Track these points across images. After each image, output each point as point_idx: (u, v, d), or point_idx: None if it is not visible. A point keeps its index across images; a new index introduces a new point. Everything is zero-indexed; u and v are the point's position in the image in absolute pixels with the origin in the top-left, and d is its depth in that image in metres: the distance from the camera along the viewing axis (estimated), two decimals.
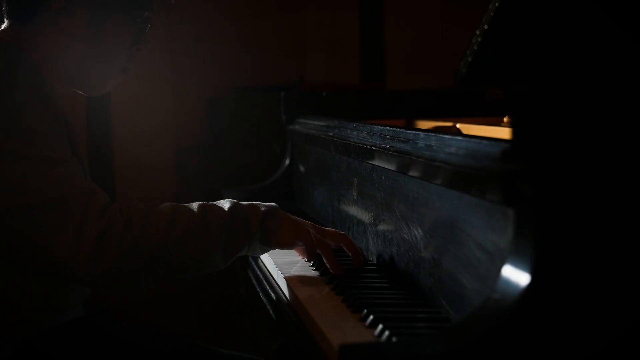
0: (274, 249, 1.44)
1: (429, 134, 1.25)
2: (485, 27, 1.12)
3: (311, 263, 1.51)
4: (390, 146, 1.39)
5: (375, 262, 1.54)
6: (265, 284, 1.52)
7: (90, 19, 1.43)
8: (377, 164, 1.51)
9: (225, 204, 1.39)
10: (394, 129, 1.43)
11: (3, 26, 1.46)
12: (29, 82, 1.33)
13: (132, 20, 1.47)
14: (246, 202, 1.41)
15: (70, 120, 1.52)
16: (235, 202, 1.40)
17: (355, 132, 1.64)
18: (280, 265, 1.52)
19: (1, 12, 1.47)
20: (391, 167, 1.42)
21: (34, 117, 1.29)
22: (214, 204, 1.39)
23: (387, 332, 1.06)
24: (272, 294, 1.45)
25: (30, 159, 1.26)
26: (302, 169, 2.25)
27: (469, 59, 1.12)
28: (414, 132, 1.32)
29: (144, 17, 1.49)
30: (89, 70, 1.48)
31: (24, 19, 1.43)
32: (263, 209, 1.40)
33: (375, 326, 1.10)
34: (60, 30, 1.42)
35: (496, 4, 1.12)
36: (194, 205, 1.36)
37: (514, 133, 0.93)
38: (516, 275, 0.90)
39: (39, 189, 1.25)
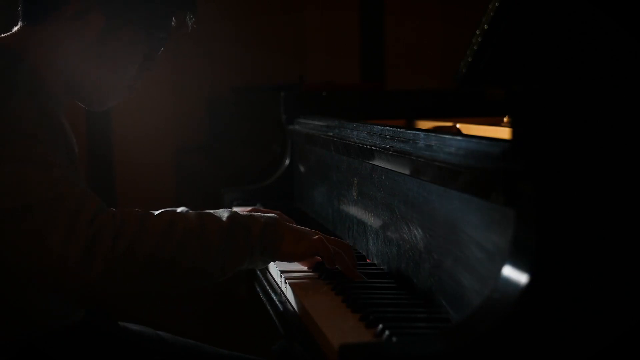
0: (277, 261, 1.40)
1: (429, 134, 1.25)
2: (485, 27, 1.12)
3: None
4: (390, 146, 1.39)
5: (375, 262, 1.54)
6: (265, 283, 1.52)
7: (105, 25, 1.41)
8: (377, 164, 1.51)
9: (224, 213, 1.34)
10: (394, 129, 1.43)
11: (15, 29, 1.45)
12: (27, 88, 1.32)
13: (147, 35, 1.46)
14: (245, 213, 1.37)
15: (68, 128, 1.52)
16: (234, 211, 1.35)
17: (355, 132, 1.64)
18: (280, 264, 1.51)
19: (15, 15, 1.47)
20: (391, 167, 1.42)
21: (32, 122, 1.28)
22: (213, 213, 1.34)
23: (387, 332, 1.06)
24: (272, 294, 1.45)
25: (27, 162, 1.25)
26: (302, 169, 2.25)
27: (469, 59, 1.12)
28: (414, 132, 1.32)
29: (160, 37, 1.48)
30: (94, 82, 1.46)
31: (37, 21, 1.42)
32: (263, 219, 1.35)
33: (375, 326, 1.10)
34: (72, 35, 1.41)
35: (496, 4, 1.12)
36: (192, 213, 1.32)
37: (514, 133, 0.93)
38: (516, 275, 0.90)
39: (35, 189, 1.23)
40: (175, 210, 1.34)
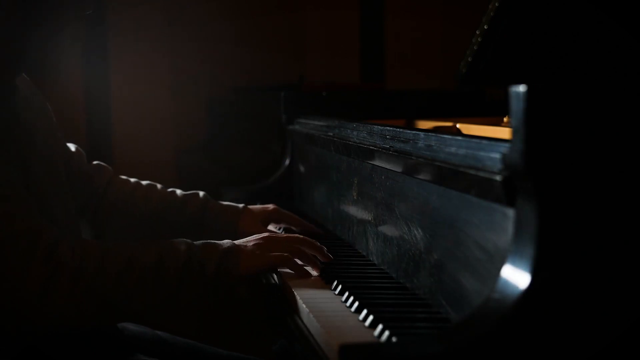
0: (239, 282, 1.40)
1: (429, 134, 1.25)
2: (485, 27, 1.12)
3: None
4: (390, 146, 1.39)
5: (375, 262, 1.54)
6: (265, 283, 1.52)
7: None
8: (377, 164, 1.51)
9: (181, 246, 1.34)
10: (394, 129, 1.43)
11: None
12: None
13: None
14: (201, 243, 1.37)
15: (45, 136, 1.48)
16: (191, 243, 1.36)
17: (355, 132, 1.64)
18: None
19: None
20: (391, 167, 1.42)
21: None
22: (172, 245, 1.34)
23: (387, 332, 1.06)
24: (272, 294, 1.45)
25: None
26: (302, 169, 2.25)
27: (469, 59, 1.13)
28: (414, 132, 1.32)
29: None
30: (37, 46, 1.39)
31: None
32: (220, 248, 1.36)
33: (375, 326, 1.10)
34: None
35: (496, 4, 1.13)
36: (152, 248, 1.32)
37: (514, 133, 0.93)
38: (516, 276, 0.90)
39: None
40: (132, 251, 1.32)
